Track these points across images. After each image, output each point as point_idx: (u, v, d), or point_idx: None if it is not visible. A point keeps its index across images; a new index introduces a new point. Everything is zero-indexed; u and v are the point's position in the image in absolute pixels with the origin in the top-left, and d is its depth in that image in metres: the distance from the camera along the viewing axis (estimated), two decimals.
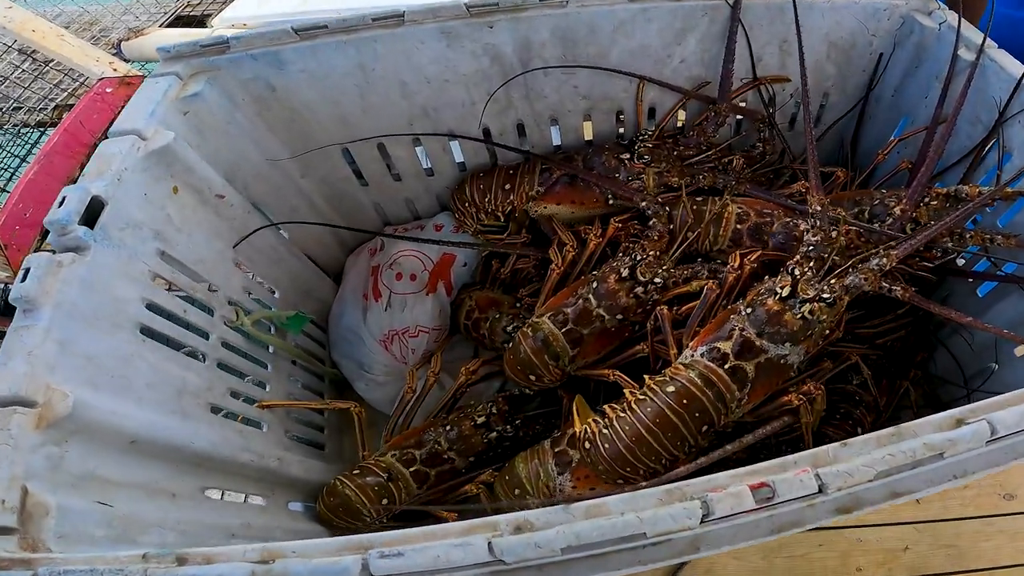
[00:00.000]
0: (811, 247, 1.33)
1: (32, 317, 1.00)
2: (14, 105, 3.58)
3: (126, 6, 4.16)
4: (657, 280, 1.50)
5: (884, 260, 1.28)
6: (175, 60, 1.43)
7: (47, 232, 2.50)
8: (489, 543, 0.70)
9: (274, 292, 1.70)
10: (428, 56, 1.57)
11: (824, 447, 0.77)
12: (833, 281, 1.28)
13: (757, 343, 1.27)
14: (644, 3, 1.56)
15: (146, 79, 1.41)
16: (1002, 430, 0.75)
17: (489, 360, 1.76)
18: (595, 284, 1.53)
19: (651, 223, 1.63)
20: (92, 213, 1.12)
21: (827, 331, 1.31)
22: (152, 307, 1.23)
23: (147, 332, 1.20)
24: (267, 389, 1.58)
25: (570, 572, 0.74)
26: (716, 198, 1.67)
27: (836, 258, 1.31)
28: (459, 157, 1.88)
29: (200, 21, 4.23)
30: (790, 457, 0.76)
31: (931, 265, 1.54)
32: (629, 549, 0.73)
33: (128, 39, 3.71)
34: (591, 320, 1.50)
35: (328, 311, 1.93)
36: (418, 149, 1.82)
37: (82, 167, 3.42)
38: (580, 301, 1.52)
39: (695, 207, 1.65)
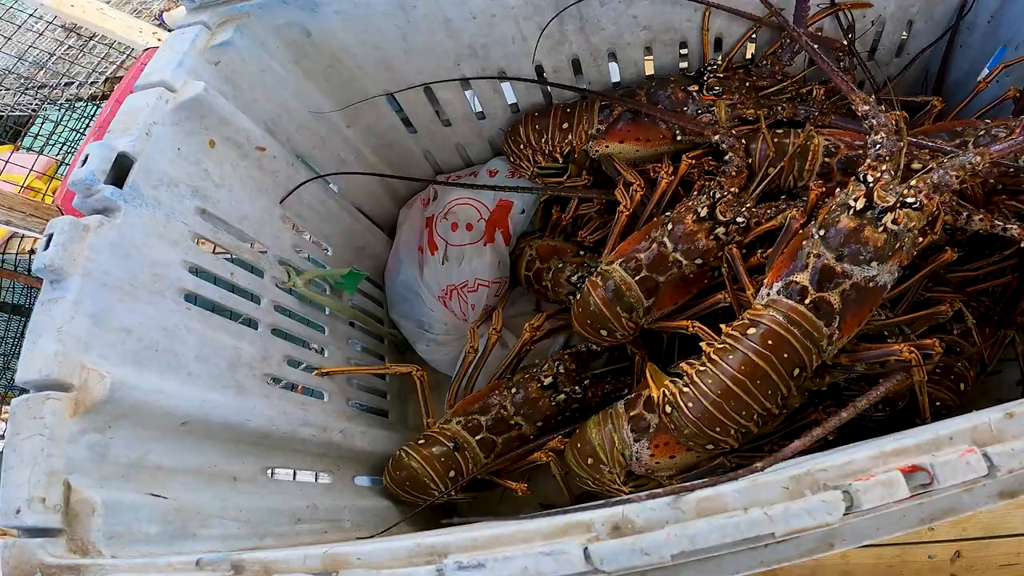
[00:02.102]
0: (878, 145, 1.16)
1: (60, 288, 0.93)
2: (64, 80, 3.58)
3: None
4: (740, 220, 1.37)
5: (977, 159, 1.10)
6: (201, 9, 1.35)
7: None
8: (585, 550, 0.61)
9: (327, 250, 1.63)
10: None
11: (981, 417, 0.64)
12: (915, 181, 1.11)
13: (838, 269, 1.13)
14: None
15: (172, 31, 1.32)
16: None
17: (553, 314, 1.67)
18: (670, 226, 1.40)
19: (727, 158, 1.49)
20: (120, 171, 1.04)
21: (920, 238, 1.15)
22: (196, 271, 1.16)
23: (192, 299, 1.13)
24: (325, 355, 1.51)
25: None
26: (798, 130, 1.54)
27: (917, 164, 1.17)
28: (511, 98, 1.78)
29: None
30: (941, 431, 0.64)
31: None
32: (750, 549, 0.63)
33: (170, 9, 3.70)
34: (667, 266, 1.39)
35: (383, 268, 1.86)
36: (467, 92, 1.72)
37: None
38: (654, 245, 1.40)
39: (776, 140, 1.52)
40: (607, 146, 1.67)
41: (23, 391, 0.90)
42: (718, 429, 1.16)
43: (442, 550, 0.65)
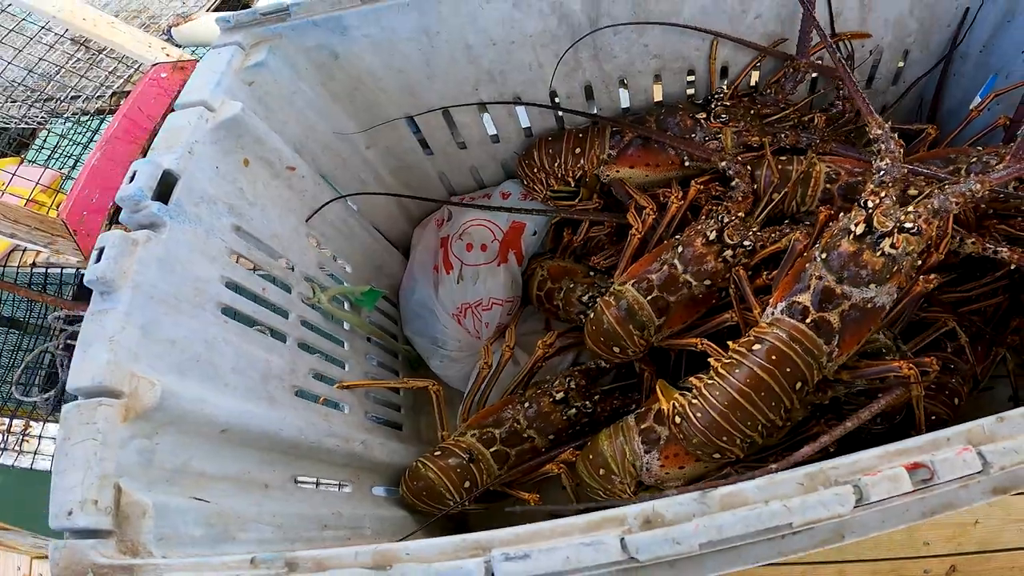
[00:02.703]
0: (882, 171, 1.23)
1: (110, 300, 0.97)
2: (72, 94, 3.59)
3: None
4: (746, 243, 1.44)
5: (977, 186, 1.16)
6: (236, 30, 1.41)
7: (115, 215, 2.51)
8: (622, 540, 0.66)
9: (347, 268, 1.68)
10: (493, 17, 1.52)
11: (976, 422, 0.71)
12: (913, 208, 1.18)
13: (838, 291, 1.20)
14: None
15: (208, 51, 1.38)
16: None
17: (564, 332, 1.73)
18: (680, 249, 1.47)
19: (733, 184, 1.56)
20: (165, 188, 1.09)
21: (919, 261, 1.22)
22: (232, 286, 1.20)
23: (228, 313, 1.18)
24: (346, 369, 1.56)
25: (704, 567, 0.70)
26: (800, 157, 1.61)
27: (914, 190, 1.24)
28: (525, 122, 1.84)
29: (245, 4, 4.32)
30: (940, 434, 0.70)
31: None
32: (768, 540, 0.69)
33: (177, 24, 3.79)
34: (678, 287, 1.45)
35: (398, 286, 1.91)
36: (484, 115, 1.78)
37: (144, 151, 3.48)
38: (665, 267, 1.47)
39: (780, 166, 1.59)
40: (618, 171, 1.73)
41: (73, 398, 0.92)
42: (725, 439, 1.22)
43: (487, 544, 0.70)
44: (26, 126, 3.62)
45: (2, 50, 3.49)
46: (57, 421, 2.45)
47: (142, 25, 3.86)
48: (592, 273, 1.78)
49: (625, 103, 1.82)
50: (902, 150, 1.23)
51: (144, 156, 2.88)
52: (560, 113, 1.80)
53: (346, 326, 1.62)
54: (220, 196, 1.20)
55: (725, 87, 1.74)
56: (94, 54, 3.75)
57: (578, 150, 1.76)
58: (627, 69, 1.73)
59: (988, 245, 1.31)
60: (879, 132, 1.24)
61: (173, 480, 0.97)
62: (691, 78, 1.79)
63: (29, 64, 3.55)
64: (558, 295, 1.74)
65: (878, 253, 1.17)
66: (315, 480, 1.32)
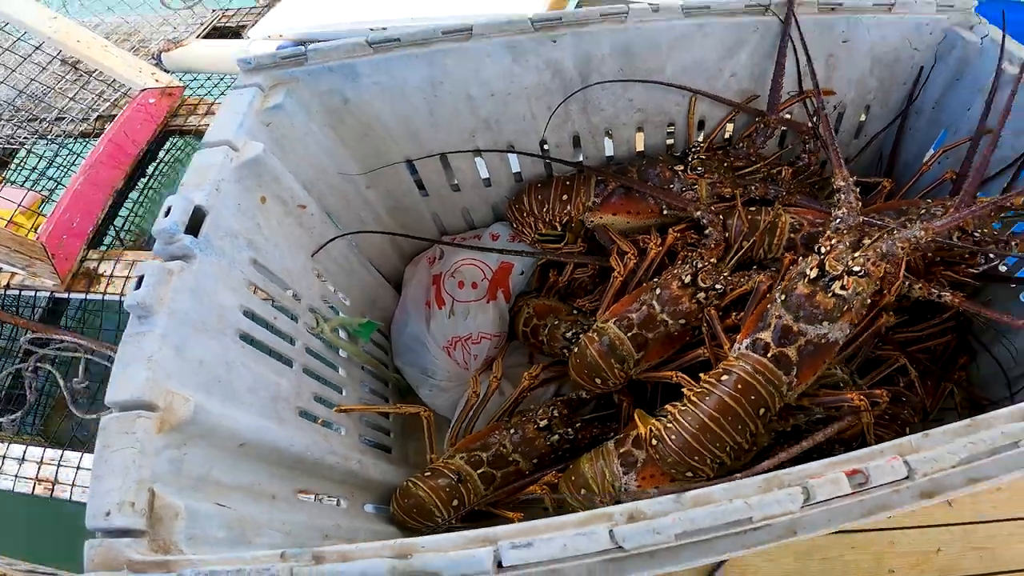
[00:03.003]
0: (839, 219, 1.38)
1: (148, 323, 1.05)
2: (57, 115, 3.57)
3: (164, 17, 4.20)
4: (718, 287, 1.57)
5: (921, 233, 1.31)
6: (256, 72, 1.51)
7: (93, 240, 2.58)
8: (610, 532, 0.76)
9: (346, 301, 1.77)
10: (494, 70, 1.65)
11: (906, 438, 0.83)
12: (860, 254, 1.33)
13: (795, 328, 1.33)
14: (701, 19, 1.65)
15: (230, 90, 1.48)
16: None
17: (548, 365, 1.83)
18: (658, 291, 1.60)
19: (707, 232, 1.70)
20: (195, 222, 1.17)
21: (869, 300, 1.35)
22: (248, 314, 1.29)
23: (245, 338, 1.26)
24: (343, 394, 1.65)
25: (680, 557, 0.80)
26: (768, 208, 1.74)
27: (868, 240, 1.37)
28: (516, 168, 1.96)
29: (235, 32, 4.32)
30: (876, 447, 0.82)
31: (975, 272, 1.62)
32: (734, 534, 0.79)
33: (168, 50, 3.83)
34: (655, 325, 1.57)
35: (390, 319, 2.01)
36: (478, 160, 1.90)
37: (127, 177, 3.43)
38: (644, 307, 1.59)
39: (749, 216, 1.72)
40: (602, 217, 1.86)
41: (109, 410, 1.00)
42: (696, 458, 1.34)
43: (494, 538, 0.79)
44: (8, 146, 3.53)
45: None
46: (21, 443, 2.47)
47: (132, 48, 3.88)
48: (575, 312, 1.88)
49: (609, 152, 1.95)
50: (859, 202, 1.38)
51: (127, 182, 2.92)
52: (549, 161, 1.92)
53: (343, 354, 1.71)
54: (241, 231, 1.29)
55: (701, 140, 1.86)
56: (82, 75, 3.72)
57: (565, 196, 1.88)
58: (612, 121, 1.86)
59: (934, 290, 1.45)
60: (843, 184, 1.40)
61: (197, 487, 1.04)
62: (671, 129, 1.92)
63: (18, 84, 3.51)
64: (543, 331, 1.84)
65: (830, 294, 1.31)
66: (314, 495, 1.39)
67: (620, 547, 0.76)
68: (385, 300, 2.00)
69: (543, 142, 1.86)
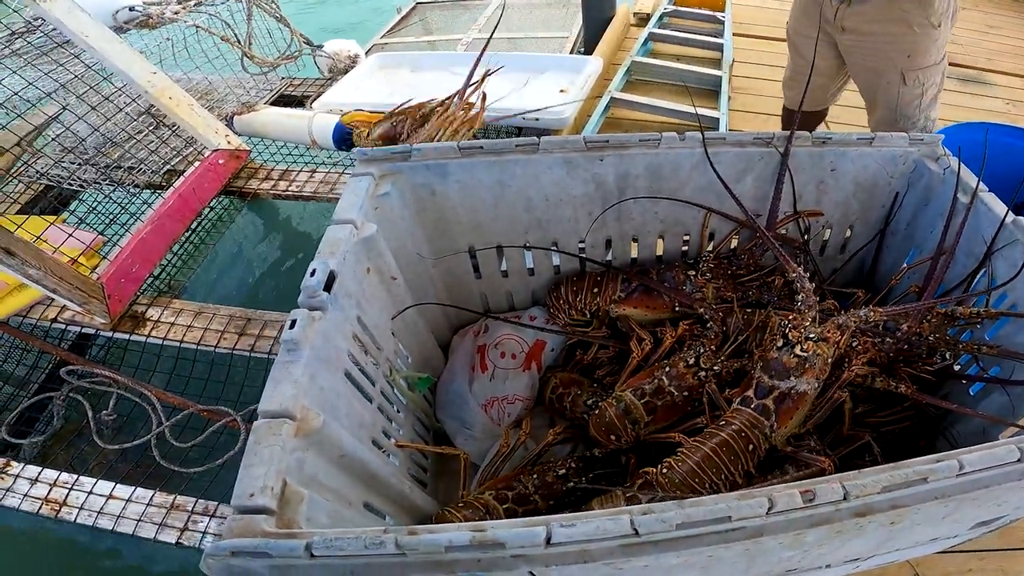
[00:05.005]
0: (799, 303, 1.77)
1: (295, 355, 1.34)
2: (132, 163, 3.74)
3: (240, 79, 4.42)
4: (716, 368, 1.93)
5: (872, 314, 1.71)
6: (371, 162, 1.83)
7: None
8: (631, 520, 1.04)
9: (409, 358, 2.06)
10: (551, 179, 1.95)
11: (847, 473, 1.13)
12: (819, 326, 1.71)
13: (769, 383, 1.70)
14: (717, 148, 1.96)
15: (351, 178, 1.79)
16: (968, 467, 1.11)
17: (568, 427, 2.14)
18: (668, 368, 1.95)
19: (709, 326, 2.06)
20: (329, 282, 1.48)
21: (829, 360, 1.70)
22: (351, 357, 1.58)
23: (348, 375, 1.56)
24: (400, 432, 1.92)
25: (678, 547, 1.04)
26: (762, 310, 2.10)
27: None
28: (556, 261, 2.30)
29: (299, 101, 4.62)
30: (825, 477, 1.12)
31: (932, 369, 1.92)
32: (717, 532, 1.07)
33: (241, 113, 4.03)
34: (664, 395, 1.92)
35: (438, 377, 2.31)
36: (526, 253, 2.23)
37: (189, 230, 3.63)
38: (656, 381, 1.94)
39: (745, 316, 2.08)
40: (624, 309, 2.20)
41: (258, 417, 1.25)
42: (697, 481, 1.64)
43: (547, 521, 1.00)
44: (69, 186, 3.67)
45: (75, 105, 3.56)
46: (38, 465, 2.58)
47: (208, 106, 4.07)
48: (595, 385, 2.19)
49: (634, 255, 2.27)
50: (813, 284, 1.78)
51: (187, 234, 3.35)
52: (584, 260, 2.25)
53: (405, 401, 1.98)
54: (354, 293, 1.59)
55: (711, 250, 2.19)
56: (158, 126, 3.91)
57: (596, 289, 2.22)
58: (640, 229, 2.16)
59: (892, 382, 1.78)
60: (794, 276, 1.79)
61: (308, 484, 1.24)
62: (686, 238, 2.21)
63: (96, 124, 3.65)
64: (567, 398, 2.15)
65: (792, 356, 1.69)
66: (373, 509, 1.60)
67: (636, 532, 1.03)
68: (435, 361, 2.28)
69: (581, 241, 2.18)
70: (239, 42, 4.12)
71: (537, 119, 3.42)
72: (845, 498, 1.10)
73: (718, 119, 4.20)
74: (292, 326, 1.39)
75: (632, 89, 4.79)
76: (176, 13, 3.89)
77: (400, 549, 1.00)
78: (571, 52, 5.61)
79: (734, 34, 5.65)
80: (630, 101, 4.48)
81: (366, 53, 5.09)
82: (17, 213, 3.58)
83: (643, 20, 5.97)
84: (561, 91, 3.95)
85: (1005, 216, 1.72)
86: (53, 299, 2.97)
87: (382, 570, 1.03)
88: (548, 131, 3.60)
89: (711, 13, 5.97)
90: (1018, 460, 1.14)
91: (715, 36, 5.56)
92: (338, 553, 1.00)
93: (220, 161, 3.85)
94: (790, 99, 3.74)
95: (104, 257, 3.29)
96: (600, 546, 1.04)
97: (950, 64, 3.12)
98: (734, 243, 2.25)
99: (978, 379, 1.84)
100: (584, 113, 4.23)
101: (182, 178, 3.67)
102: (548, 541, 1.01)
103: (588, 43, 5.70)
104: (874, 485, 1.11)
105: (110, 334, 3.05)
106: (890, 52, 2.92)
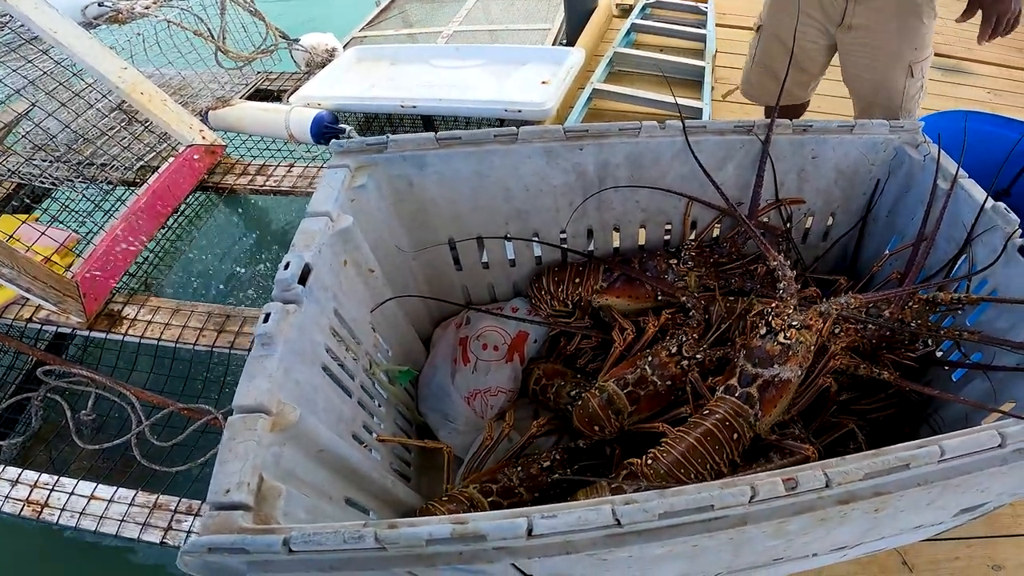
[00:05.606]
0: (781, 290, 1.77)
1: (269, 349, 1.32)
2: (105, 160, 3.70)
3: (214, 74, 4.34)
4: (698, 356, 1.92)
5: (852, 301, 1.71)
6: (347, 154, 1.82)
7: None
8: (612, 510, 1.02)
9: (389, 351, 2.04)
10: (530, 168, 1.94)
11: (829, 460, 1.12)
12: (801, 313, 1.70)
13: (753, 371, 1.69)
14: (697, 136, 1.96)
15: (326, 170, 1.78)
16: (949, 453, 1.10)
17: (551, 418, 2.12)
18: (650, 358, 1.93)
19: (691, 314, 2.05)
20: (304, 275, 1.46)
21: (811, 347, 1.69)
22: (328, 351, 1.57)
23: (325, 370, 1.55)
24: (382, 427, 1.90)
25: (661, 537, 1.03)
26: (744, 298, 2.09)
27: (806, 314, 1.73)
28: (538, 252, 2.28)
29: (276, 95, 4.63)
30: (807, 464, 1.11)
31: (914, 355, 1.92)
32: (701, 521, 1.06)
33: (216, 108, 4.03)
34: (647, 384, 1.90)
35: (419, 370, 2.29)
36: (507, 244, 2.21)
37: (165, 227, 3.57)
38: (638, 371, 1.92)
39: (727, 304, 2.07)
40: (607, 299, 2.19)
41: (232, 412, 1.23)
42: (682, 471, 1.62)
43: (527, 514, 0.99)
44: (41, 184, 3.62)
45: (45, 101, 3.48)
46: (18, 466, 2.59)
47: (181, 101, 4.02)
48: (578, 376, 2.19)
49: (616, 244, 2.25)
50: (795, 272, 1.77)
51: (158, 232, 3.06)
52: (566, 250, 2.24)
53: (385, 395, 1.97)
54: (330, 286, 1.57)
55: (693, 238, 2.17)
56: (131, 121, 3.86)
57: (577, 280, 2.21)
58: (621, 218, 2.15)
59: (875, 369, 1.78)
60: (775, 264, 1.78)
61: (285, 479, 1.22)
62: (668, 227, 2.20)
63: (67, 120, 3.60)
64: (551, 389, 2.14)
65: (775, 344, 1.67)
66: (354, 503, 1.59)
67: (618, 522, 1.02)
68: (416, 354, 2.26)
69: (562, 231, 2.17)
70: (212, 36, 4.08)
71: (520, 111, 3.39)
72: (828, 485, 1.09)
73: (701, 109, 4.22)
74: (266, 320, 1.37)
75: (615, 80, 4.83)
76: (147, 8, 3.83)
77: (380, 543, 0.99)
78: (554, 44, 5.63)
79: (717, 25, 5.69)
80: (613, 92, 4.49)
81: (344, 47, 5.06)
82: None
83: (626, 11, 6.01)
84: (543, 83, 3.94)
85: (984, 202, 1.72)
86: (28, 298, 2.95)
87: (362, 564, 1.02)
88: (530, 122, 3.57)
89: (694, 4, 6.00)
90: (999, 446, 1.14)
91: (698, 27, 5.58)
92: (317, 548, 0.99)
93: (195, 157, 3.83)
94: (762, 95, 3.44)
95: (78, 255, 3.27)
96: (583, 537, 1.03)
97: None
98: (716, 231, 2.26)
99: (960, 365, 1.85)
100: (566, 104, 4.23)
101: (156, 174, 3.65)
102: (530, 533, 1.00)
103: (571, 34, 5.70)
104: (856, 472, 1.10)
105: (87, 333, 3.03)
106: (901, 46, 2.84)
